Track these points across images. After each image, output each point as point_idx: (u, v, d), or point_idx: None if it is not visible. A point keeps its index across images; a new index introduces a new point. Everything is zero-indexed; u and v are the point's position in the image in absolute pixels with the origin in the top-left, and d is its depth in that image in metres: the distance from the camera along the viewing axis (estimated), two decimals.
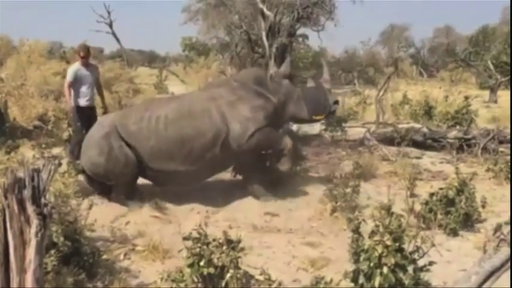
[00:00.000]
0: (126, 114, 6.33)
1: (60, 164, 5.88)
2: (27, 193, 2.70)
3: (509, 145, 9.36)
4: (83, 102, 7.54)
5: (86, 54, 7.59)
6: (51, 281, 3.42)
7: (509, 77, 20.27)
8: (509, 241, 3.46)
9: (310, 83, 6.91)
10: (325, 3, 11.73)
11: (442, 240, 5.15)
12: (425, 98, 13.06)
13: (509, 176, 7.54)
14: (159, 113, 6.10)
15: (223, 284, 3.95)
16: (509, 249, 3.48)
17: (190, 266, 3.97)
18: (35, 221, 2.68)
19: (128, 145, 6.02)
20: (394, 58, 34.47)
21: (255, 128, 6.21)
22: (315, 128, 10.36)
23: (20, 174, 2.74)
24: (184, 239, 4.09)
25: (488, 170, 7.95)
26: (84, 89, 7.55)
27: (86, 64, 7.61)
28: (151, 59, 48.75)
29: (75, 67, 7.66)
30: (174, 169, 6.02)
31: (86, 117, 7.48)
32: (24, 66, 15.39)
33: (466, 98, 11.98)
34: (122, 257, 4.67)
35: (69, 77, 7.53)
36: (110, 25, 31.57)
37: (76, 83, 7.50)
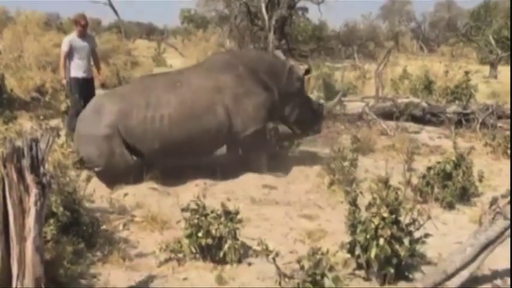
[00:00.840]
0: (128, 111, 5.80)
1: (58, 136, 5.90)
2: (26, 162, 2.71)
3: (508, 120, 9.38)
4: (79, 74, 7.37)
5: (86, 23, 7.43)
6: (50, 250, 3.45)
7: (509, 52, 20.13)
8: (506, 214, 3.49)
9: (320, 102, 7.01)
10: None
11: (438, 213, 5.20)
12: (425, 72, 12.98)
13: (508, 151, 7.57)
14: (162, 112, 5.82)
15: (221, 255, 4.00)
16: (504, 222, 3.52)
17: (189, 236, 4.02)
18: (34, 190, 2.69)
19: (131, 146, 5.79)
20: (394, 32, 34.13)
21: (254, 129, 6.16)
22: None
23: (19, 143, 2.74)
24: (183, 210, 4.13)
25: (486, 144, 7.98)
26: (80, 60, 7.39)
27: (83, 34, 7.43)
28: (149, 31, 48.09)
29: (70, 37, 7.51)
30: (178, 162, 6.00)
31: (83, 89, 7.33)
32: (21, 37, 15.22)
33: (466, 73, 11.91)
34: (120, 227, 4.71)
35: (64, 46, 7.38)
36: None
37: (71, 54, 7.34)
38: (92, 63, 7.67)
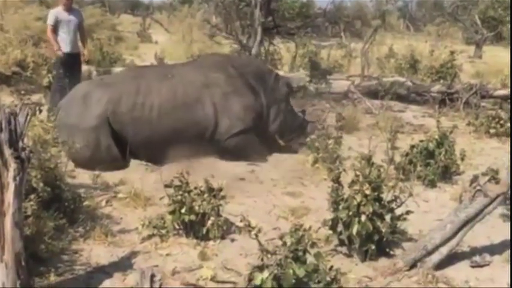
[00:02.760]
0: (117, 97, 5.70)
1: (40, 111, 5.79)
2: (4, 136, 2.65)
3: (491, 100, 9.47)
4: (65, 48, 7.18)
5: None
6: (31, 225, 3.42)
7: (495, 32, 20.19)
8: (486, 192, 3.54)
9: (306, 114, 6.87)
10: None
11: (420, 191, 5.25)
12: (411, 52, 13.00)
13: (491, 130, 7.67)
14: (152, 101, 5.75)
15: (204, 231, 4.01)
16: (484, 199, 3.57)
17: (172, 213, 4.02)
18: (12, 165, 2.65)
19: (119, 135, 5.67)
20: (381, 11, 33.98)
21: (241, 129, 6.09)
22: (300, 79, 10.29)
23: None
24: (166, 186, 4.11)
25: (469, 124, 8.07)
26: (65, 34, 7.20)
27: (69, 8, 7.25)
28: (134, 6, 47.26)
29: (55, 11, 7.30)
30: (164, 156, 5.78)
31: (68, 65, 7.15)
32: (1, 10, 14.84)
33: (452, 52, 11.94)
34: (103, 203, 4.68)
35: (49, 20, 7.19)
36: None
37: (57, 28, 7.15)
38: (79, 38, 7.48)
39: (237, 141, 6.09)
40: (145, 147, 5.67)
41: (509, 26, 19.53)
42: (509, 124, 7.60)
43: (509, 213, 4.41)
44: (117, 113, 5.67)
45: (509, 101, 8.95)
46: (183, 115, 5.85)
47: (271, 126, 6.55)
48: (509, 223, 4.26)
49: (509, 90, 9.34)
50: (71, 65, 7.18)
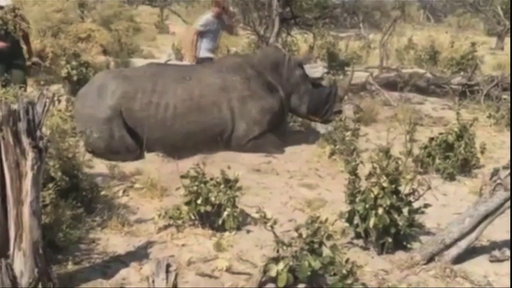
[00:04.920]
0: (132, 93, 5.70)
1: (59, 101, 5.84)
2: (22, 126, 2.67)
3: None
4: (206, 53, 7.39)
5: (224, 6, 7.45)
6: (49, 214, 3.45)
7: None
8: (506, 185, 3.47)
9: (326, 82, 6.72)
10: None
11: (439, 184, 5.19)
12: (431, 43, 12.81)
13: (510, 122, 7.52)
14: (167, 101, 5.72)
15: (220, 222, 4.01)
16: (504, 193, 3.50)
17: (188, 203, 4.02)
18: (30, 154, 2.66)
19: (132, 131, 5.69)
20: (401, 2, 33.51)
21: (259, 133, 6.06)
22: (318, 70, 10.20)
23: (15, 106, 2.70)
24: (182, 177, 4.11)
25: (489, 116, 7.91)
26: (210, 41, 7.44)
27: (219, 15, 7.41)
28: None
29: (207, 17, 7.46)
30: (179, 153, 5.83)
31: None
32: (21, 1, 14.98)
33: (473, 44, 11.73)
34: (120, 193, 4.71)
35: (199, 26, 7.37)
36: None
37: (203, 34, 7.34)
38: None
39: (255, 144, 6.08)
40: (159, 145, 5.65)
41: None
42: None
43: None
44: (131, 109, 5.67)
45: None
46: (198, 118, 5.82)
47: (300, 110, 6.59)
48: None
49: None
50: None
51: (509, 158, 4.84)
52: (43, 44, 9.99)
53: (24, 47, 7.00)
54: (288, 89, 6.43)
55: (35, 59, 7.37)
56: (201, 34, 7.40)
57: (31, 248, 2.73)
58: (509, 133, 7.29)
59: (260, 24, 12.08)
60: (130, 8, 22.29)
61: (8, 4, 6.29)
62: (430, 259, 3.57)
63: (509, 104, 7.80)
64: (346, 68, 10.40)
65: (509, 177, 3.50)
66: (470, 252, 3.71)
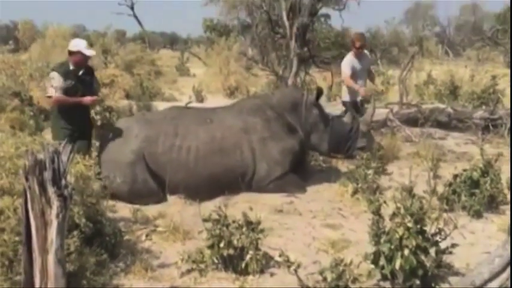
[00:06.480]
0: (155, 137, 5.80)
1: None
2: (47, 175, 2.73)
3: None
4: (354, 97, 7.42)
5: (362, 44, 7.42)
6: (74, 261, 3.47)
7: None
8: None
9: (347, 118, 6.71)
10: None
11: (466, 222, 5.07)
12: (450, 77, 12.75)
13: None
14: (189, 143, 5.82)
15: (243, 265, 3.97)
16: None
17: (210, 247, 4.01)
18: (55, 203, 2.71)
19: (155, 174, 5.74)
20: (418, 37, 33.69)
21: (280, 173, 6.10)
22: (337, 108, 10.24)
23: (41, 156, 2.76)
24: (204, 220, 4.11)
25: None
26: (358, 80, 7.39)
27: (360, 55, 7.44)
28: (173, 41, 48.79)
29: (349, 59, 7.45)
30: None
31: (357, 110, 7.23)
32: (49, 50, 15.55)
33: (493, 77, 11.65)
34: (143, 237, 4.72)
35: (347, 70, 7.35)
36: (132, 8, 31.71)
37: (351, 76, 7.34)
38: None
39: (276, 185, 6.08)
40: (182, 188, 5.67)
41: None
42: None
43: None
44: (154, 153, 5.75)
45: None
46: (221, 160, 5.87)
47: (321, 148, 6.59)
48: None
49: None
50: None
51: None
52: None
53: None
54: (307, 128, 6.45)
55: None
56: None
57: None
58: None
59: (279, 64, 12.27)
60: (151, 53, 22.90)
61: (93, 54, 6.07)
62: None
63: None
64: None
65: None
66: None
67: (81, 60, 5.76)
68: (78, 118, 5.82)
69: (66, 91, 5.66)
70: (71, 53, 5.76)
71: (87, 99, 5.72)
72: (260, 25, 12.02)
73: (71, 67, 5.74)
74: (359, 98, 7.55)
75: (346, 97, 7.67)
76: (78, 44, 5.77)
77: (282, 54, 11.96)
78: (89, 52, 5.82)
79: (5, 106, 8.67)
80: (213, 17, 28.00)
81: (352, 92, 7.48)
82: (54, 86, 5.62)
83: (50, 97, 5.73)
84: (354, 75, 7.34)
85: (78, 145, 5.42)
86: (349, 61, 7.40)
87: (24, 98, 9.19)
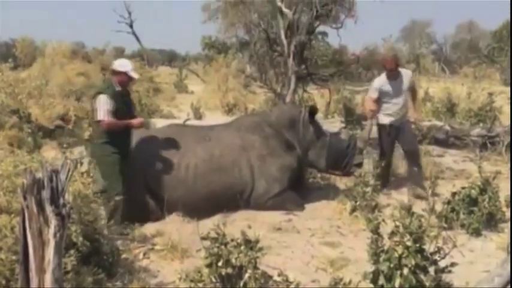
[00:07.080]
0: (153, 156, 5.82)
1: (81, 164, 5.94)
2: (45, 194, 2.72)
3: None
4: (387, 119, 6.82)
5: (392, 67, 6.67)
6: (71, 281, 3.44)
7: None
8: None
9: (345, 135, 6.69)
10: (344, 0, 11.62)
11: (465, 240, 5.06)
12: (447, 95, 12.83)
13: None
14: (188, 161, 5.84)
15: (241, 284, 3.93)
16: None
17: (209, 266, 3.96)
18: (53, 222, 2.70)
19: (153, 191, 5.75)
20: (415, 55, 33.95)
21: (279, 190, 6.12)
22: (334, 125, 10.27)
23: (39, 175, 2.76)
24: (203, 238, 4.07)
25: None
26: (387, 105, 6.79)
27: (393, 76, 6.72)
28: (171, 58, 49.08)
29: (379, 81, 6.83)
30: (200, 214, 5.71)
31: (391, 136, 6.88)
32: (48, 68, 15.60)
33: (490, 94, 11.72)
34: (141, 256, 4.70)
35: (371, 93, 6.83)
36: (131, 25, 32.02)
37: (380, 99, 6.78)
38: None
39: (274, 202, 6.09)
40: (181, 205, 5.66)
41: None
42: None
43: None
44: (152, 170, 5.75)
45: None
46: (219, 177, 5.89)
47: (319, 165, 6.57)
48: None
49: None
50: (393, 136, 6.94)
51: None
52: (66, 107, 10.30)
53: None
54: (305, 145, 6.46)
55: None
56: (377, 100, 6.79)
57: None
58: None
59: (277, 81, 12.32)
60: (150, 70, 23.00)
61: (138, 77, 5.82)
62: None
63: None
64: (363, 122, 10.42)
65: None
66: None
67: (126, 82, 5.51)
68: (127, 141, 5.60)
69: (116, 114, 5.36)
70: (115, 72, 5.45)
71: (137, 121, 5.51)
72: (258, 43, 12.11)
73: (117, 88, 5.43)
74: (389, 120, 6.87)
75: (381, 119, 6.95)
76: (125, 65, 5.49)
77: (280, 71, 12.03)
78: (135, 75, 5.55)
79: (4, 123, 8.68)
80: (211, 35, 28.23)
81: (387, 114, 6.86)
82: (104, 109, 5.27)
83: (99, 121, 5.33)
84: (386, 97, 6.78)
85: (121, 167, 5.35)
86: (377, 83, 6.85)
87: (22, 115, 9.19)
